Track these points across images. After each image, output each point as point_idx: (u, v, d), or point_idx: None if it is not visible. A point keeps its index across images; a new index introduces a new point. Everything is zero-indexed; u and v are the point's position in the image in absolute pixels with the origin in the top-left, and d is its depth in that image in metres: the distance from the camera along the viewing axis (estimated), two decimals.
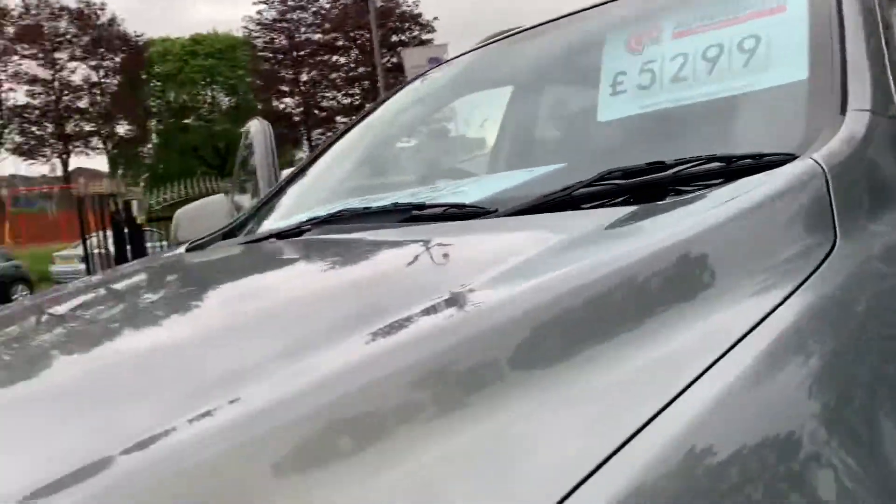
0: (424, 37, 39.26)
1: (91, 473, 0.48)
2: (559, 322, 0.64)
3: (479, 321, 0.63)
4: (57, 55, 38.87)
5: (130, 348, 0.88)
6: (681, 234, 0.78)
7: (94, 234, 9.95)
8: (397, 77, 25.67)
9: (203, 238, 1.76)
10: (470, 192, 1.26)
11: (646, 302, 0.70)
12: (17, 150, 38.79)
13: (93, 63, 39.87)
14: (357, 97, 39.39)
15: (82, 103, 39.86)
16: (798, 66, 1.20)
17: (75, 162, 41.20)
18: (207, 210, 2.19)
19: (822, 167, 0.89)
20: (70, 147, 39.76)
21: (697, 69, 1.41)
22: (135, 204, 10.41)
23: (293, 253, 1.33)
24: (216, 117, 42.22)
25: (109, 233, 9.53)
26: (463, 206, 1.17)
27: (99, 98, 39.95)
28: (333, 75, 40.34)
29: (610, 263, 0.72)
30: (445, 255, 1.03)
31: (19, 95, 38.63)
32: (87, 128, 40.09)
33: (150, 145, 43.28)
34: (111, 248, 9.45)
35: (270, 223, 1.65)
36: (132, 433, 0.51)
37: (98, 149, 40.63)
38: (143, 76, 40.95)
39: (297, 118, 40.36)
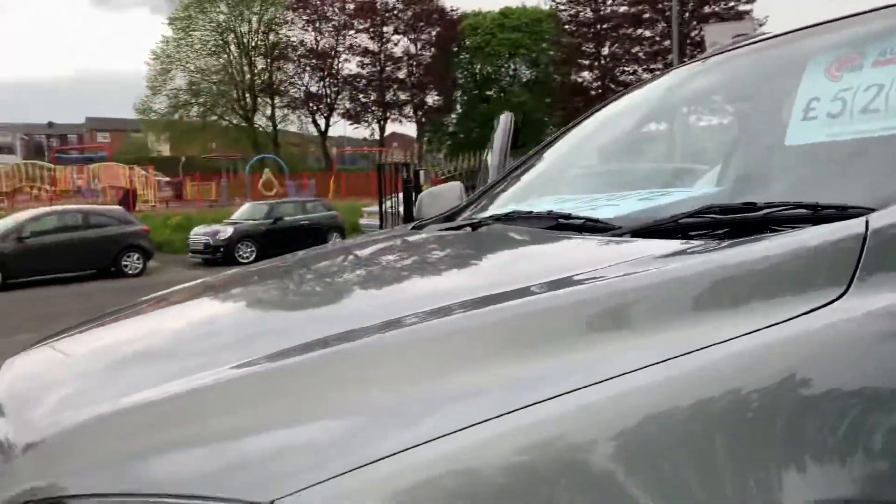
0: (741, 8, 36.42)
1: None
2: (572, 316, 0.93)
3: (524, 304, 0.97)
4: (384, 29, 43.47)
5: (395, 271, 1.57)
6: (705, 265, 0.96)
7: (391, 196, 11.25)
8: (701, 51, 24.14)
9: (427, 220, 2.11)
10: (618, 208, 1.41)
11: (647, 313, 0.91)
12: (346, 115, 44.45)
13: (412, 36, 43.90)
14: (658, 72, 38.08)
15: (401, 74, 44.19)
16: None
17: (390, 128, 46.06)
18: (443, 194, 2.53)
19: (868, 226, 0.93)
20: (388, 114, 44.46)
21: (890, 102, 1.35)
22: (422, 173, 11.53)
23: (472, 240, 1.65)
24: (515, 89, 43.90)
25: (401, 196, 10.75)
26: (596, 221, 1.34)
27: (414, 69, 43.93)
28: (636, 49, 39.43)
29: (625, 283, 0.96)
30: (557, 255, 1.34)
31: (352, 66, 44.10)
32: (403, 97, 44.42)
33: (453, 115, 46.57)
34: (401, 210, 10.66)
35: (471, 213, 1.93)
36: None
37: (409, 117, 44.90)
38: (454, 48, 44.02)
39: (594, 92, 40.32)
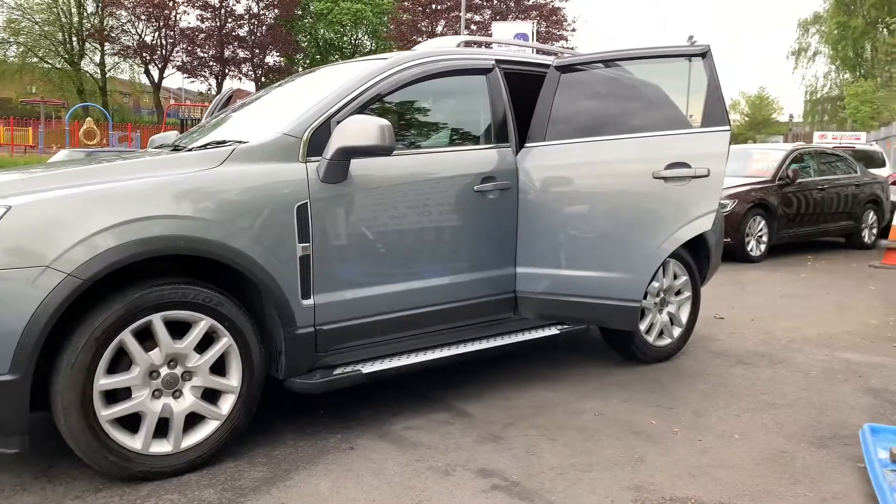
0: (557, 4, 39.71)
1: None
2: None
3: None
4: None
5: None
6: (184, 154, 2.90)
7: None
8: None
9: (158, 147, 3.93)
10: (200, 142, 3.29)
11: (170, 163, 2.79)
12: (182, 68, 43.57)
13: None
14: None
15: (242, 32, 43.94)
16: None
17: (228, 84, 45.58)
18: (166, 137, 4.32)
19: (236, 147, 2.91)
20: (226, 70, 44.11)
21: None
22: None
23: (160, 153, 3.43)
24: (357, 59, 44.91)
25: None
26: (183, 147, 3.25)
27: (256, 29, 43.85)
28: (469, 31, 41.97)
29: (146, 158, 2.87)
30: (162, 155, 3.09)
31: (191, 18, 43.05)
32: (242, 54, 44.24)
33: (295, 77, 46.85)
34: None
35: (170, 145, 3.79)
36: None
37: (248, 75, 44.81)
38: (298, 12, 44.39)
39: None
